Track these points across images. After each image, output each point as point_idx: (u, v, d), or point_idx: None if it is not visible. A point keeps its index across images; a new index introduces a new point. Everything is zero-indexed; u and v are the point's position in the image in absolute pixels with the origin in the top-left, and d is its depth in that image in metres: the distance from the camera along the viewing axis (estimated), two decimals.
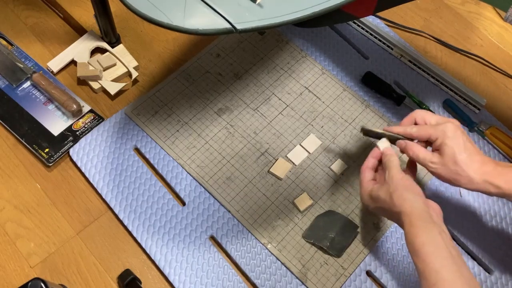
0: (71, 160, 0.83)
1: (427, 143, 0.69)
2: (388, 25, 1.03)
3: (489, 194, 0.65)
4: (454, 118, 0.73)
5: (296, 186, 0.83)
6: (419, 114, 0.70)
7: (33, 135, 0.85)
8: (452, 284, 0.55)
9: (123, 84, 0.89)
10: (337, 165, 0.84)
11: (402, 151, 0.70)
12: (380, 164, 0.72)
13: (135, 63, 0.92)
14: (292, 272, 0.76)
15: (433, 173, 0.67)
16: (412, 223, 0.60)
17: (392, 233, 0.80)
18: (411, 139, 0.70)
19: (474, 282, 0.57)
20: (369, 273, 0.78)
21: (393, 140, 0.72)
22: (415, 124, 0.71)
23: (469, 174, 0.64)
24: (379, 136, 0.72)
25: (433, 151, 0.68)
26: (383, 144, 0.71)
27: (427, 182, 0.85)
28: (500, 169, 0.64)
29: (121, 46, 0.94)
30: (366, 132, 0.74)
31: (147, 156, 0.84)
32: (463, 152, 0.64)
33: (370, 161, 0.72)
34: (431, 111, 0.90)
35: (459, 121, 0.91)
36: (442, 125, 0.67)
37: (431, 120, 0.69)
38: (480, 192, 0.65)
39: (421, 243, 0.58)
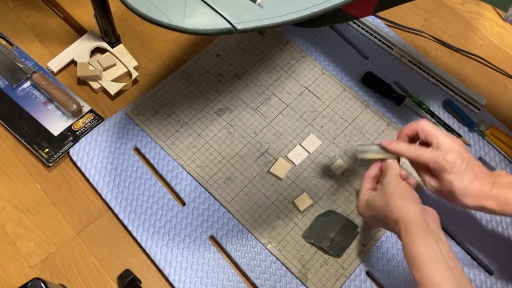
0: (71, 160, 0.83)
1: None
2: (388, 25, 1.03)
3: (485, 212, 0.66)
4: (458, 140, 0.67)
5: (296, 186, 0.83)
6: (423, 128, 0.67)
7: (33, 135, 0.85)
8: None
9: (123, 84, 0.89)
10: (337, 165, 0.84)
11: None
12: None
13: (135, 63, 0.92)
14: (292, 272, 0.76)
15: (429, 190, 0.68)
16: (409, 231, 0.60)
17: (392, 233, 0.80)
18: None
19: None
20: (369, 273, 0.78)
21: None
22: (416, 135, 0.68)
23: (464, 201, 0.64)
24: (378, 159, 0.70)
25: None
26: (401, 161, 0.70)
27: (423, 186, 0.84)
28: (495, 192, 0.63)
29: (121, 46, 0.94)
30: (360, 151, 0.71)
31: (147, 156, 0.84)
32: (460, 183, 0.63)
33: (373, 170, 0.71)
34: (431, 111, 0.91)
35: (459, 121, 0.92)
36: (442, 157, 0.64)
37: (432, 140, 0.65)
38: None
39: (419, 253, 0.58)
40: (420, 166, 0.68)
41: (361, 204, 0.68)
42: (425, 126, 0.67)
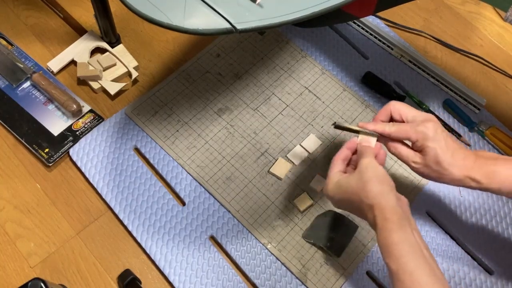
0: (71, 160, 0.83)
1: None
2: (388, 25, 1.03)
3: (471, 188, 0.64)
4: (431, 114, 0.69)
5: (296, 186, 0.83)
6: (395, 107, 0.67)
7: (33, 135, 0.85)
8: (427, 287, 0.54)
9: (123, 84, 0.89)
10: None
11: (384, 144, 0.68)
12: (353, 156, 0.69)
13: (135, 63, 0.92)
14: (292, 272, 0.76)
15: (415, 171, 0.66)
16: (386, 218, 0.58)
17: None
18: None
19: (446, 284, 0.56)
20: (369, 273, 0.78)
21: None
22: (391, 117, 0.68)
23: (451, 172, 0.63)
24: (354, 132, 0.68)
25: (413, 150, 0.66)
26: (362, 137, 0.68)
27: (424, 186, 0.85)
28: (480, 162, 0.63)
29: (121, 46, 0.94)
30: (338, 127, 0.69)
31: (147, 156, 0.84)
32: (445, 151, 0.63)
33: (344, 152, 0.68)
34: (431, 111, 0.91)
35: (459, 121, 0.92)
36: (421, 125, 0.64)
37: (407, 115, 0.66)
38: (462, 187, 0.64)
39: (395, 241, 0.56)
40: (398, 146, 0.66)
41: (331, 185, 0.65)
42: (397, 105, 0.67)
